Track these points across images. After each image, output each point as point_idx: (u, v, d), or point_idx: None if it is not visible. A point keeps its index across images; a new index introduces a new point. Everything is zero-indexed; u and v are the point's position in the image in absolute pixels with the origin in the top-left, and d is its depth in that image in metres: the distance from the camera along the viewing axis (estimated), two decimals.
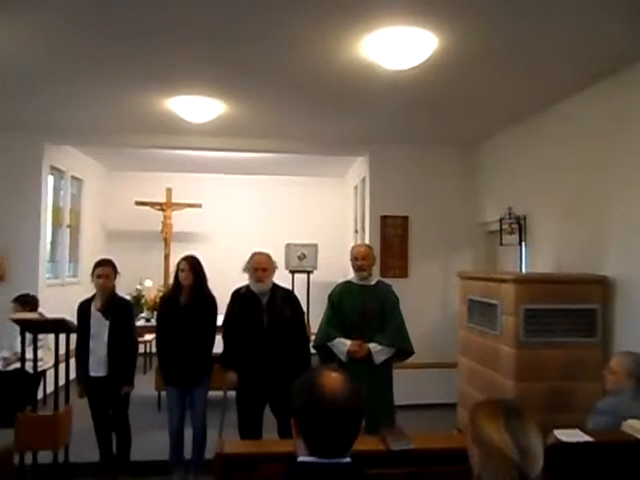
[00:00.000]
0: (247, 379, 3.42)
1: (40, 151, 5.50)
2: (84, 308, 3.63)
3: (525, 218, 4.62)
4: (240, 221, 7.96)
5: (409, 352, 3.60)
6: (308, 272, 6.98)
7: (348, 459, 1.22)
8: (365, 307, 3.52)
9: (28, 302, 4.91)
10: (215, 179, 7.90)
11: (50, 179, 5.86)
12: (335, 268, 7.72)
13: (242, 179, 7.98)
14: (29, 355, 4.50)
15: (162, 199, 7.38)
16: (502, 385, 3.59)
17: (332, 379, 1.23)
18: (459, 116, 4.71)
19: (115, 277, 3.62)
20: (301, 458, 1.22)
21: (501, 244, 4.89)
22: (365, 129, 5.23)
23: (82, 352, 3.58)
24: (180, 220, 7.52)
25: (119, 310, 3.59)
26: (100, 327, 3.54)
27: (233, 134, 5.45)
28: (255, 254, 3.52)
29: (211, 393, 3.76)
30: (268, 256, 3.55)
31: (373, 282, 3.64)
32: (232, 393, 3.62)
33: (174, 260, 7.04)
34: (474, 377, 4.11)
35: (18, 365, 4.75)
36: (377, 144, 5.70)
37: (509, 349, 3.52)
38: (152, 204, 7.37)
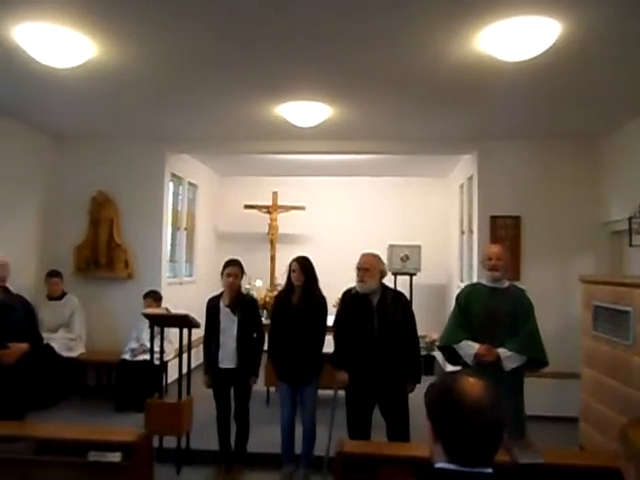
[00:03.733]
0: (357, 380, 3.42)
1: (162, 159, 5.99)
2: (213, 304, 3.87)
3: None
4: (343, 223, 8.04)
5: (543, 362, 3.36)
6: (411, 274, 6.86)
7: (490, 469, 1.17)
8: (495, 310, 3.33)
9: (159, 298, 5.39)
10: (318, 182, 8.06)
11: (170, 185, 6.34)
12: (439, 270, 7.55)
13: (344, 181, 8.06)
14: (155, 347, 4.92)
15: (269, 202, 7.68)
16: (634, 399, 3.25)
17: (471, 384, 1.19)
18: (581, 107, 4.36)
19: (242, 276, 3.83)
20: (440, 464, 1.19)
21: (630, 245, 4.45)
22: (474, 126, 5.04)
23: (211, 345, 3.83)
24: (285, 222, 7.78)
25: (246, 306, 3.81)
26: (229, 322, 3.77)
27: (339, 137, 5.52)
28: (361, 255, 3.53)
29: (320, 392, 3.83)
30: (374, 256, 3.53)
31: (505, 285, 3.43)
32: (341, 393, 3.66)
33: (280, 261, 7.44)
34: (600, 390, 3.77)
35: (145, 356, 5.22)
36: (487, 141, 5.46)
37: None
38: (259, 207, 7.69)
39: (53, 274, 5.56)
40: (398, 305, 3.44)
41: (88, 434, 2.40)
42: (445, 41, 3.04)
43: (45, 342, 5.16)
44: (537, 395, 4.94)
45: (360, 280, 3.39)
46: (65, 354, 5.32)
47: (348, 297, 3.53)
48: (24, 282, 5.49)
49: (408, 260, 6.91)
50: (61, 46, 3.14)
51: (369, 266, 3.40)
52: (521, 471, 1.87)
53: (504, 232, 5.49)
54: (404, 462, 2.21)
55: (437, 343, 3.57)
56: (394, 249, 6.85)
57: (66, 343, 5.39)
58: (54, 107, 4.78)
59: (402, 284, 6.56)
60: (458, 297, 3.54)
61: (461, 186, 6.84)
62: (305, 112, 4.48)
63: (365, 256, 3.49)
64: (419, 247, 6.95)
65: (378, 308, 3.38)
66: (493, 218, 5.48)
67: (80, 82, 3.90)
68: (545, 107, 4.40)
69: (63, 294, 5.58)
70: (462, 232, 6.79)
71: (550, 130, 5.13)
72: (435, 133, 5.34)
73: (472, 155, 5.81)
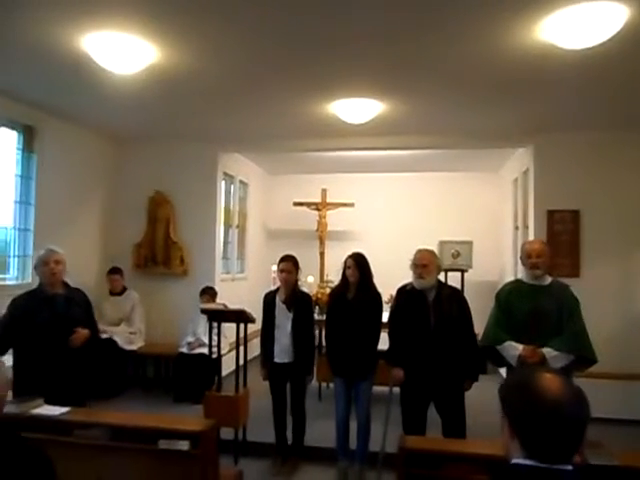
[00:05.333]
0: (412, 376, 3.41)
1: (215, 159, 6.15)
2: (269, 299, 3.95)
3: None
4: (392, 219, 7.99)
5: (591, 360, 3.26)
6: (462, 270, 6.75)
7: (570, 467, 1.15)
8: (537, 309, 3.25)
9: (215, 294, 5.56)
10: (368, 178, 8.04)
11: (222, 184, 6.49)
12: (491, 266, 7.38)
13: (394, 177, 8.01)
14: (207, 341, 5.06)
15: (318, 199, 7.73)
16: None
17: (550, 379, 1.17)
18: None
19: (296, 272, 3.88)
20: (516, 460, 1.18)
21: None
22: (530, 118, 4.89)
23: (267, 340, 3.91)
24: (334, 219, 7.81)
25: (301, 303, 3.87)
26: (284, 318, 3.84)
27: (390, 133, 5.49)
28: (418, 251, 3.50)
29: (374, 388, 3.83)
30: (430, 252, 3.51)
31: (547, 282, 3.34)
32: (396, 389, 3.65)
33: (329, 258, 7.48)
34: None
35: (201, 350, 5.39)
36: (543, 133, 5.29)
37: None
38: (308, 204, 7.75)
39: (114, 271, 5.81)
40: (454, 301, 3.40)
41: (158, 423, 2.51)
42: (504, 31, 2.97)
43: (108, 336, 5.46)
44: (600, 397, 4.74)
45: (419, 276, 3.36)
46: (126, 347, 5.56)
47: (403, 293, 3.51)
48: (87, 278, 5.79)
49: (459, 256, 6.80)
50: (125, 52, 3.29)
51: (427, 262, 3.37)
52: (595, 472, 1.82)
53: (561, 227, 5.31)
54: (467, 459, 2.19)
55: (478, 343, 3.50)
56: (445, 245, 6.76)
57: (127, 337, 5.63)
58: (115, 112, 5.01)
59: (453, 281, 6.43)
60: (498, 295, 3.45)
61: (515, 180, 6.66)
62: (357, 109, 4.48)
63: (422, 252, 3.46)
64: (470, 243, 6.82)
65: (434, 304, 3.35)
66: (550, 212, 5.31)
67: (140, 86, 4.06)
68: (608, 96, 4.22)
69: (124, 290, 5.83)
70: (516, 227, 6.61)
71: (613, 120, 4.91)
72: (489, 126, 5.22)
73: (527, 148, 5.64)
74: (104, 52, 3.28)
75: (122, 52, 3.28)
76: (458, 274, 6.69)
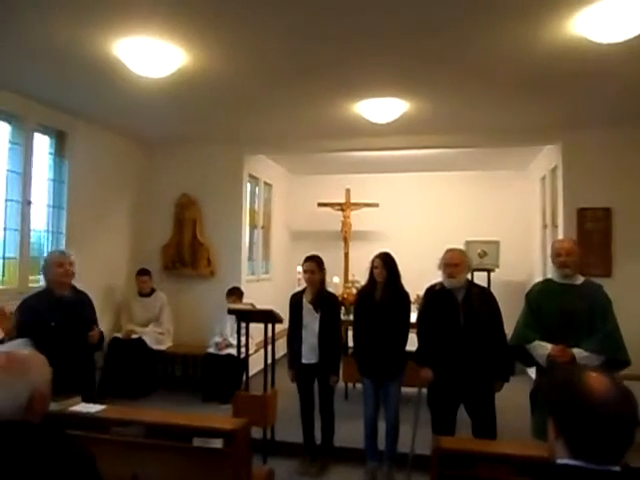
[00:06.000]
0: (442, 377, 3.38)
1: (241, 161, 6.21)
2: (296, 300, 3.97)
3: None
4: (417, 219, 7.94)
5: (623, 362, 3.15)
6: (489, 270, 6.66)
7: (618, 468, 1.13)
8: (568, 308, 3.19)
9: (241, 294, 5.62)
10: (392, 178, 8.00)
11: (247, 185, 6.55)
12: (519, 266, 7.27)
13: (419, 176, 7.96)
14: (234, 341, 5.11)
15: (342, 200, 7.73)
16: None
17: (597, 378, 1.15)
18: None
19: (321, 271, 3.88)
20: (562, 460, 1.16)
21: None
22: (559, 114, 4.81)
23: (294, 340, 3.92)
24: (358, 219, 7.80)
25: (328, 303, 3.88)
26: (311, 318, 3.85)
27: (415, 132, 5.46)
28: (448, 250, 3.47)
29: (403, 389, 3.82)
30: (461, 252, 3.49)
31: (579, 281, 3.27)
32: (425, 390, 3.62)
33: (353, 258, 7.47)
34: None
35: (229, 350, 5.44)
36: (573, 129, 5.19)
37: None
38: (332, 205, 7.76)
39: (142, 272, 5.91)
40: (484, 301, 3.36)
41: (192, 421, 2.55)
42: (534, 25, 2.92)
43: (137, 336, 5.57)
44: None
45: (449, 276, 3.34)
46: (155, 347, 5.65)
47: (432, 293, 3.49)
48: (117, 279, 5.92)
49: (486, 256, 6.71)
50: (155, 57, 3.35)
51: (459, 261, 3.35)
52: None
53: (592, 225, 5.21)
54: (501, 460, 2.17)
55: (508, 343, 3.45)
56: (471, 245, 6.67)
57: (156, 337, 5.72)
58: (144, 116, 5.10)
59: (480, 281, 6.28)
60: (528, 295, 3.40)
61: (543, 178, 6.55)
62: (382, 108, 4.48)
63: (453, 252, 3.44)
64: (497, 243, 6.73)
65: (464, 304, 3.32)
66: (581, 210, 5.21)
67: (168, 90, 4.13)
68: None
69: (152, 291, 5.93)
70: (544, 226, 6.50)
71: None
72: (516, 124, 5.14)
73: (556, 145, 5.54)
74: (135, 57, 3.35)
75: (152, 57, 3.34)
76: (484, 274, 6.60)
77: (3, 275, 4.43)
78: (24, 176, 4.53)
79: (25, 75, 3.98)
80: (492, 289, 6.38)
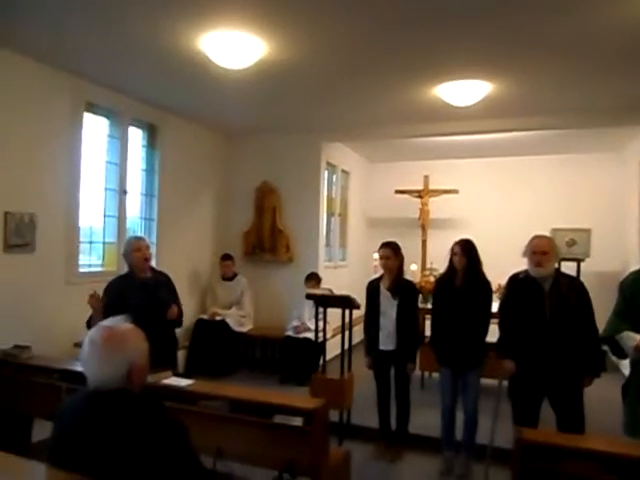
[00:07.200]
0: (525, 369, 3.26)
1: (319, 149, 6.30)
2: (373, 287, 3.99)
3: None
4: (499, 206, 7.64)
5: None
6: (578, 260, 6.27)
7: None
8: None
9: (319, 280, 5.74)
10: (472, 163, 7.74)
11: (325, 173, 6.62)
12: (613, 255, 6.77)
13: (500, 161, 7.63)
14: (312, 326, 5.22)
15: (420, 187, 7.59)
16: None
17: None
18: None
19: (397, 258, 3.87)
20: None
21: None
22: None
23: (371, 327, 3.95)
24: (437, 206, 7.63)
25: (406, 290, 3.87)
26: (389, 305, 3.85)
27: (498, 114, 5.23)
28: (534, 237, 3.31)
29: (482, 380, 3.73)
30: (549, 239, 3.32)
31: None
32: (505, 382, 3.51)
33: (431, 246, 7.34)
34: None
35: (306, 334, 5.58)
36: None
37: None
38: (410, 192, 7.64)
39: (225, 257, 6.19)
40: (573, 291, 3.18)
41: (274, 399, 2.66)
42: None
43: (220, 318, 5.86)
44: None
45: (537, 264, 3.18)
46: (237, 329, 5.92)
47: (515, 282, 3.35)
48: (202, 264, 6.25)
49: (575, 245, 6.34)
50: (238, 49, 3.47)
51: (547, 249, 3.18)
52: None
53: None
54: (588, 456, 2.07)
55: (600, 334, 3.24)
56: (558, 233, 6.30)
57: (238, 319, 5.99)
58: (226, 107, 5.30)
59: (568, 271, 5.98)
60: (622, 284, 3.16)
61: None
62: (463, 91, 4.33)
63: (541, 239, 3.27)
64: (588, 231, 6.32)
65: (551, 294, 3.16)
66: None
67: (249, 81, 4.25)
68: None
69: (234, 275, 6.20)
70: None
71: None
72: (609, 102, 4.77)
73: None
74: (219, 50, 3.49)
75: (235, 49, 3.47)
76: (573, 264, 6.22)
77: (104, 258, 4.84)
78: (120, 167, 4.90)
79: (122, 73, 4.29)
80: (582, 280, 6.03)
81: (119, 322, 1.69)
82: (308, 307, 5.55)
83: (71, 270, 4.37)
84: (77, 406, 1.60)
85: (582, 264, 6.27)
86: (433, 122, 5.56)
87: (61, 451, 1.58)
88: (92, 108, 4.60)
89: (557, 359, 3.12)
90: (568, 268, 6.10)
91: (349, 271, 7.54)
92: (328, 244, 7.02)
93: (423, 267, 7.09)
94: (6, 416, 3.29)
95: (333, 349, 4.95)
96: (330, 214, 7.06)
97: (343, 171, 7.40)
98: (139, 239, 3.65)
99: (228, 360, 5.77)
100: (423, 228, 7.60)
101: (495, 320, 3.53)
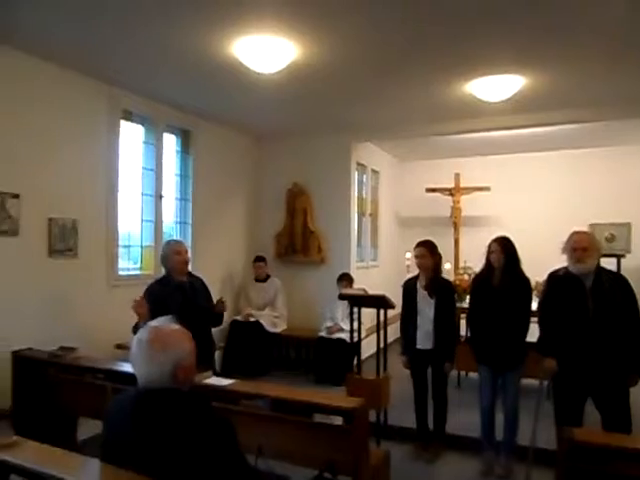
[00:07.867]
0: (568, 369, 3.18)
1: (349, 149, 6.31)
2: (410, 286, 3.96)
3: None
4: (533, 202, 7.48)
5: None
6: (618, 256, 6.08)
7: None
8: None
9: (352, 280, 5.75)
10: (504, 160, 7.60)
11: (355, 173, 6.62)
12: None
13: (534, 157, 7.47)
14: (345, 326, 5.22)
15: (451, 185, 7.51)
16: None
17: None
18: None
19: (432, 256, 3.83)
20: None
21: None
22: None
23: (408, 326, 3.92)
24: (469, 204, 7.53)
25: (443, 290, 3.83)
26: (426, 304, 3.82)
27: (532, 109, 5.14)
28: (574, 233, 3.23)
29: (522, 380, 3.66)
30: (589, 235, 3.25)
31: None
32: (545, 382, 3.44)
33: (464, 244, 7.24)
34: None
35: (340, 335, 5.59)
36: None
37: None
38: (441, 190, 7.57)
39: (258, 259, 6.26)
40: (617, 287, 3.09)
41: (314, 398, 2.68)
42: None
43: (254, 319, 5.92)
44: None
45: (578, 260, 3.11)
46: (270, 330, 5.97)
47: (555, 279, 3.28)
48: (235, 266, 6.34)
49: (614, 240, 6.16)
50: (270, 53, 3.52)
51: (588, 245, 3.11)
52: None
53: None
54: (637, 457, 2.01)
55: None
56: (597, 228, 6.12)
57: (271, 320, 6.05)
58: (257, 110, 5.37)
59: (608, 268, 5.85)
60: None
61: None
62: (496, 86, 4.27)
63: (581, 234, 3.20)
64: (628, 225, 6.14)
65: (593, 290, 3.07)
66: None
67: (279, 84, 4.30)
68: None
69: (267, 277, 6.25)
70: None
71: None
72: None
73: None
74: (252, 55, 3.55)
75: (267, 53, 3.52)
76: (613, 260, 6.03)
77: (142, 262, 4.97)
78: (156, 172, 5.02)
79: (156, 81, 4.40)
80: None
81: (166, 322, 1.73)
82: (341, 307, 5.56)
83: (111, 274, 4.50)
84: (127, 404, 1.65)
85: (622, 260, 6.08)
86: (465, 119, 5.50)
87: (112, 448, 1.63)
88: (128, 116, 4.73)
89: (601, 358, 3.04)
90: (608, 264, 5.86)
91: (381, 271, 7.51)
92: (359, 244, 7.00)
93: (456, 265, 7.01)
94: (52, 414, 3.40)
95: (367, 349, 4.94)
96: (361, 214, 7.05)
97: (373, 171, 7.38)
98: (178, 242, 3.66)
99: (262, 360, 5.83)
100: (455, 226, 7.51)
101: (534, 319, 3.47)
